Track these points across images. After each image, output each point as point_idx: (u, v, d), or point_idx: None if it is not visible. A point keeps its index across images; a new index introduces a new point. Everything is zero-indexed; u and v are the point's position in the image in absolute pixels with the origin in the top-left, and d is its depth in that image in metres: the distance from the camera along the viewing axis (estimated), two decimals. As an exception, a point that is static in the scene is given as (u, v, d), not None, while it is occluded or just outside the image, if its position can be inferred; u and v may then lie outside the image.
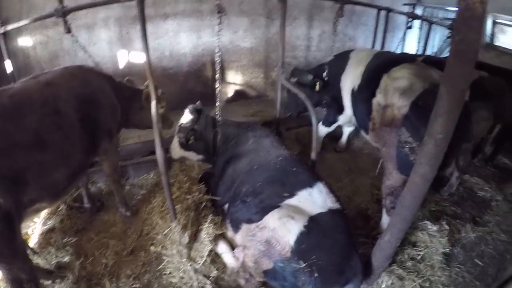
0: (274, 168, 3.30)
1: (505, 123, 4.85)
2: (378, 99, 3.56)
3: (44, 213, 3.96)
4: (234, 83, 6.08)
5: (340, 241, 2.77)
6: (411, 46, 7.49)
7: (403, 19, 5.49)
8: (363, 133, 4.28)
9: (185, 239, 3.34)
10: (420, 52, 6.83)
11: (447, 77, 2.10)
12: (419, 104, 3.07)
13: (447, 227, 3.90)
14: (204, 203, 3.67)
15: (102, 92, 3.38)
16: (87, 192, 4.00)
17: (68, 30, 3.67)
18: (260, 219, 2.90)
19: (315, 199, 2.98)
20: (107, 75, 3.69)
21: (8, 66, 4.29)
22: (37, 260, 3.45)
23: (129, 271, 3.37)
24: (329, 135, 5.41)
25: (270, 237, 2.76)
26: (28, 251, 3.29)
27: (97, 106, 3.27)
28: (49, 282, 3.22)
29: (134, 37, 5.19)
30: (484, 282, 3.58)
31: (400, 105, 3.23)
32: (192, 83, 5.62)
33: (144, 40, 3.36)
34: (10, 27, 3.95)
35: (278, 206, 2.92)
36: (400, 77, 3.42)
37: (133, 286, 3.23)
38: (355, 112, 4.31)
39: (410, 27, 5.28)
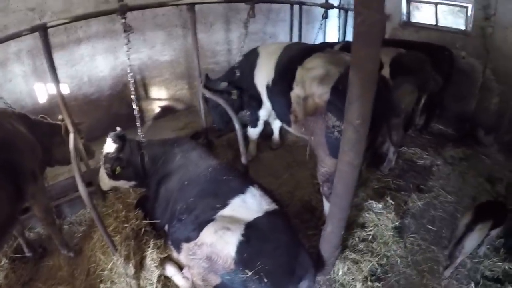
0: (204, 181, 3.18)
1: (430, 93, 5.05)
2: (297, 91, 3.55)
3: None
4: (159, 99, 5.84)
5: (283, 241, 2.70)
6: (333, 35, 7.61)
7: (320, 10, 5.50)
8: (285, 126, 4.26)
9: (131, 270, 3.12)
10: (341, 40, 6.98)
11: (354, 61, 2.06)
12: (339, 88, 3.05)
13: (392, 202, 3.97)
14: (143, 229, 3.49)
15: (17, 134, 3.07)
16: (25, 241, 3.65)
17: None
18: (197, 236, 2.77)
19: (249, 204, 2.89)
20: (20, 114, 3.37)
21: None
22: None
23: (84, 314, 3.14)
24: (262, 135, 5.31)
25: (210, 252, 2.65)
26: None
27: (14, 149, 2.95)
28: None
29: None
30: (440, 245, 3.69)
31: (320, 93, 3.22)
32: (117, 106, 5.29)
33: (52, 70, 3.16)
34: None
35: (212, 220, 2.80)
36: (314, 66, 3.43)
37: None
38: (273, 107, 4.26)
39: (325, 17, 5.33)
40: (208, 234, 2.70)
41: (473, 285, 3.23)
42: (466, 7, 5.52)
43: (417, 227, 3.94)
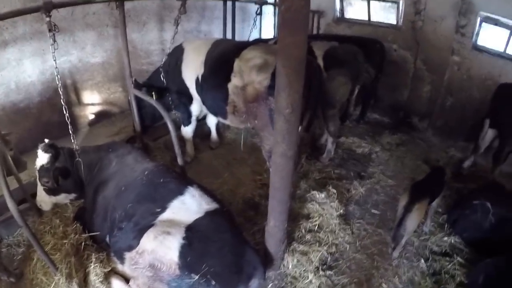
0: (141, 185, 2.94)
1: (364, 84, 5.16)
2: (235, 82, 3.63)
3: None
4: (92, 104, 5.33)
5: (227, 241, 2.56)
6: (269, 32, 7.59)
7: (255, 7, 5.40)
8: (220, 119, 4.21)
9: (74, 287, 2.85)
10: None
11: (281, 49, 1.94)
12: None
13: (334, 191, 3.96)
14: (83, 243, 3.18)
15: None
16: None
17: None
18: (138, 243, 2.55)
19: (189, 206, 2.73)
20: None
21: None
22: None
23: None
24: (200, 134, 5.16)
25: (152, 260, 2.45)
26: None
27: None
28: None
29: None
30: (386, 228, 3.74)
31: (260, 79, 3.38)
32: (48, 113, 4.72)
33: None
34: None
35: (152, 225, 2.60)
36: (252, 57, 3.53)
37: None
38: (205, 101, 4.14)
39: (259, 13, 5.25)
40: (148, 241, 2.50)
41: (422, 261, 3.31)
42: (397, 3, 5.74)
43: (362, 213, 3.97)
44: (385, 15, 6.07)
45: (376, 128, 5.89)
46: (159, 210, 2.70)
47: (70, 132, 3.18)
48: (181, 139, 4.78)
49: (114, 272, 3.00)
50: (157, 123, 4.65)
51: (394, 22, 5.91)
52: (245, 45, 3.83)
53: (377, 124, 6.06)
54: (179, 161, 3.58)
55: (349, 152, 5.13)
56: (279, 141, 2.17)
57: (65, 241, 3.20)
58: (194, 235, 2.51)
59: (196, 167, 4.72)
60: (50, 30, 3.03)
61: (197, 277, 2.34)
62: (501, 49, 5.00)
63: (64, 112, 3.09)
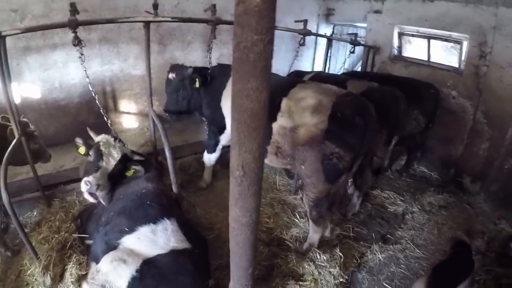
0: (131, 200, 2.89)
1: (411, 134, 4.42)
2: (282, 122, 3.27)
3: None
4: (128, 112, 5.54)
5: (185, 285, 2.36)
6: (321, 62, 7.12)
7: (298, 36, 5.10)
8: None
9: (48, 280, 2.97)
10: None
11: (233, 97, 1.55)
12: (338, 116, 2.95)
13: (340, 254, 3.34)
14: (70, 242, 3.31)
15: None
16: None
17: None
18: (100, 260, 2.50)
19: (157, 237, 2.56)
20: None
21: None
22: None
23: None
24: (221, 161, 4.79)
25: (104, 281, 2.37)
26: None
27: None
28: None
29: (24, 69, 4.70)
30: None
31: (316, 122, 3.02)
32: (85, 114, 5.10)
33: (4, 76, 3.15)
34: None
35: (117, 244, 2.55)
36: (304, 96, 3.18)
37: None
38: None
39: (302, 44, 4.89)
40: (104, 263, 2.43)
41: None
42: (461, 43, 4.92)
43: (371, 284, 3.27)
44: (447, 56, 5.23)
45: (420, 183, 5.00)
46: (127, 229, 2.60)
47: (115, 135, 3.51)
48: (201, 164, 4.62)
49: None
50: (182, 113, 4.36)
51: (456, 65, 5.04)
52: (293, 82, 3.52)
53: (422, 180, 5.16)
54: (174, 189, 3.42)
55: (380, 209, 4.37)
56: (232, 205, 1.80)
57: (56, 236, 3.39)
58: (149, 271, 2.34)
59: (208, 194, 4.48)
60: (74, 45, 3.38)
61: None
62: None
63: (104, 116, 3.58)
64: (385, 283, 3.27)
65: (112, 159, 3.14)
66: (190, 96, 4.11)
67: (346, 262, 3.34)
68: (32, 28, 3.46)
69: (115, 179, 3.18)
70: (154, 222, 2.63)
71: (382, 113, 3.65)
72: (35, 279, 3.06)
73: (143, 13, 3.81)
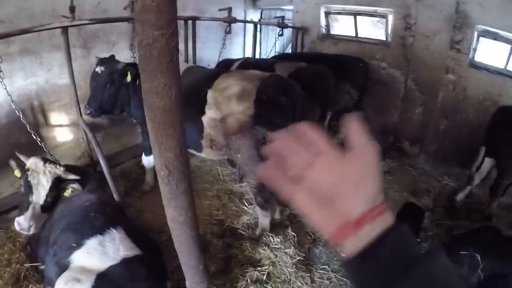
0: (76, 214, 2.72)
1: (345, 107, 4.57)
2: (210, 115, 3.23)
3: None
4: (60, 125, 5.16)
5: None
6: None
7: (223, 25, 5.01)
8: (194, 152, 3.70)
9: None
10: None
11: (145, 97, 1.46)
12: (263, 99, 2.93)
13: (293, 233, 3.41)
14: (23, 273, 3.09)
15: None
16: None
17: None
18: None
19: (106, 249, 2.44)
20: None
21: None
22: None
23: None
24: None
25: None
26: None
27: None
28: None
29: None
30: None
31: (242, 109, 2.99)
32: (16, 134, 4.66)
33: None
34: None
35: (68, 263, 2.40)
36: (227, 85, 3.14)
37: None
38: None
39: (229, 32, 4.83)
40: (60, 286, 2.26)
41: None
42: (386, 17, 5.14)
43: (329, 257, 3.36)
44: (374, 31, 5.46)
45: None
46: (75, 245, 2.45)
47: (47, 151, 3.45)
48: (142, 167, 4.44)
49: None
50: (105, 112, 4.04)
51: (383, 38, 5.28)
52: (216, 72, 3.46)
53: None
54: (116, 197, 3.30)
55: None
56: (165, 205, 1.73)
57: (7, 269, 3.16)
58: (105, 284, 2.24)
59: (153, 197, 4.23)
60: None
61: None
62: (501, 66, 4.31)
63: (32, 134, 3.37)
64: (343, 253, 3.38)
65: (42, 190, 2.99)
66: (117, 92, 3.85)
67: (300, 240, 3.40)
68: None
69: (51, 206, 3.03)
70: (101, 233, 2.51)
71: (312, 91, 3.73)
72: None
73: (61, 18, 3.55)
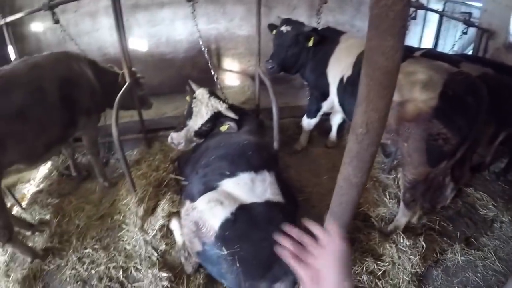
0: (233, 148, 3.01)
1: (510, 132, 3.84)
2: None
3: (38, 176, 4.22)
4: (231, 70, 5.69)
5: (272, 236, 2.42)
6: (429, 40, 6.50)
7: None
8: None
9: (140, 211, 3.26)
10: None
11: (366, 53, 1.54)
12: (449, 94, 2.72)
13: (423, 243, 3.19)
14: (165, 181, 3.59)
15: (82, 75, 3.45)
16: (73, 163, 4.10)
17: (56, 21, 3.72)
18: (197, 199, 2.68)
19: (255, 186, 2.65)
20: (91, 61, 3.73)
21: (11, 52, 4.23)
22: (24, 215, 3.64)
23: (94, 233, 3.38)
24: (319, 128, 4.75)
25: (198, 218, 2.55)
26: (16, 206, 3.64)
27: (77, 87, 3.35)
28: (29, 233, 3.41)
29: (133, 24, 5.11)
30: None
31: (425, 98, 2.82)
32: (188, 69, 5.40)
33: (118, 26, 3.42)
34: (9, 18, 3.98)
35: (216, 186, 2.69)
36: (414, 71, 2.97)
37: (94, 246, 3.24)
38: (343, 105, 3.73)
39: (414, 18, 4.45)
40: (202, 201, 2.60)
41: None
42: None
43: (444, 284, 3.07)
44: None
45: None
46: (228, 173, 2.72)
47: (219, 87, 3.91)
48: (299, 127, 4.70)
49: (178, 214, 3.23)
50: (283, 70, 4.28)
51: None
52: (403, 56, 3.32)
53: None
54: (275, 145, 3.46)
55: (470, 208, 3.98)
56: (346, 163, 1.81)
57: (154, 173, 3.67)
58: (243, 216, 2.46)
59: (302, 158, 4.55)
60: (188, 0, 3.70)
61: (226, 252, 2.34)
62: None
63: (211, 69, 3.79)
64: (458, 287, 3.07)
65: (200, 118, 3.37)
66: (299, 54, 4.01)
67: (426, 254, 3.18)
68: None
69: (204, 134, 3.42)
70: (255, 171, 2.71)
71: (494, 103, 3.26)
72: (129, 209, 3.39)
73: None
